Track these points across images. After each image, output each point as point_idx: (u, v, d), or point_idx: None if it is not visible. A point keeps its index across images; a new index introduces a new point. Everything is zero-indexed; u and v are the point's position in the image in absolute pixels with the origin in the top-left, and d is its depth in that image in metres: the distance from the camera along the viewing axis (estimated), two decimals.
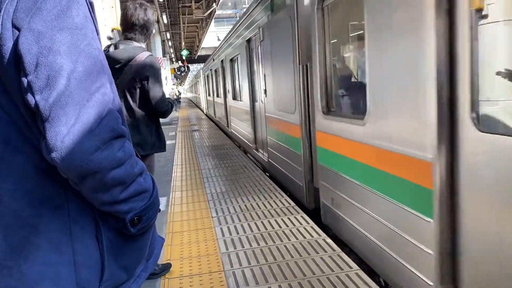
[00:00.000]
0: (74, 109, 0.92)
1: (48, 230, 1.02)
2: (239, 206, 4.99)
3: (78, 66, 0.94)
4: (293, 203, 4.93)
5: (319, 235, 3.83)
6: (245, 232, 4.08)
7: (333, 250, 3.49)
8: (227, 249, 3.71)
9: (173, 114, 25.61)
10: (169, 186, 6.29)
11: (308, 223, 4.18)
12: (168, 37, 23.71)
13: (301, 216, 4.41)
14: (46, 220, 1.02)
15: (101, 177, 0.97)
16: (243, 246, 3.74)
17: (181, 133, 14.12)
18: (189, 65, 36.63)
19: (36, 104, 0.92)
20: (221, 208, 4.97)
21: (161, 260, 3.55)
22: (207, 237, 4.03)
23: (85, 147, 0.93)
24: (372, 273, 3.24)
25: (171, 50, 29.72)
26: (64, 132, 0.91)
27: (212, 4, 19.31)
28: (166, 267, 3.31)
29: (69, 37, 0.94)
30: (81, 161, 0.93)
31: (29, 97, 0.93)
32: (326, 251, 3.47)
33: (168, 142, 12.13)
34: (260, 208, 4.83)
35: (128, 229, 1.07)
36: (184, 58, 27.57)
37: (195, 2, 19.22)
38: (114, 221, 1.07)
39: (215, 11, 20.33)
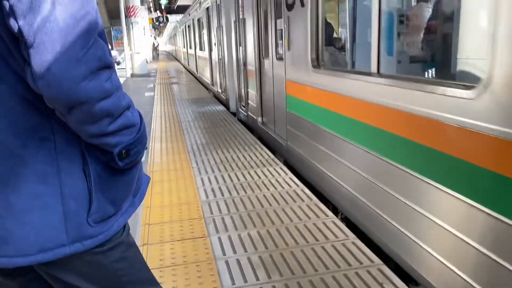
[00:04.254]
0: (59, 35, 0.90)
1: (35, 162, 1.03)
2: (219, 157, 5.04)
3: None
4: (272, 155, 5.00)
5: (297, 185, 3.93)
6: (225, 182, 4.15)
7: (310, 199, 3.60)
8: (207, 197, 3.78)
9: (151, 65, 25.05)
10: (148, 137, 6.27)
11: (287, 174, 4.28)
12: None
13: (280, 168, 4.50)
14: (32, 152, 1.02)
15: (89, 108, 0.96)
16: (223, 195, 3.82)
17: (160, 86, 13.90)
18: (168, 15, 35.41)
19: (20, 29, 0.89)
20: (201, 159, 5.01)
21: (141, 207, 3.61)
22: (187, 186, 4.09)
23: (72, 76, 0.91)
24: (346, 220, 3.37)
25: None
26: (50, 59, 0.89)
27: None
28: None
29: None
30: (68, 90, 0.92)
31: (12, 21, 0.90)
32: (303, 200, 3.58)
33: (146, 94, 11.99)
34: (240, 160, 4.89)
35: (116, 163, 1.08)
36: (163, 7, 26.59)
37: None
38: (101, 154, 1.08)
39: None
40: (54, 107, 0.98)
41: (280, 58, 4.92)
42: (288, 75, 4.61)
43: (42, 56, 0.89)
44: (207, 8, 10.66)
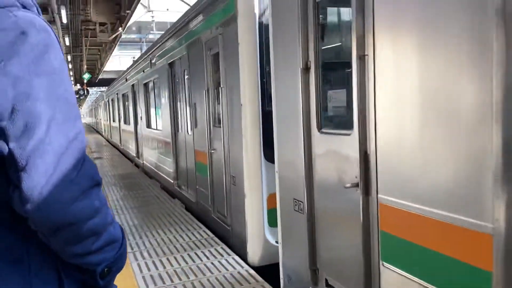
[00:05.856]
0: (53, 157, 0.87)
1: (6, 285, 0.93)
2: (155, 239, 4.82)
3: (57, 112, 0.90)
4: (211, 234, 4.89)
5: (242, 267, 3.86)
6: (164, 268, 3.95)
7: (257, 281, 3.53)
8: (147, 286, 3.56)
9: None
10: None
11: (230, 255, 4.19)
12: (69, 59, 22.48)
13: (221, 248, 4.40)
14: (4, 275, 0.93)
15: (77, 229, 0.91)
16: (164, 283, 3.61)
17: None
18: (88, 88, 34.87)
19: (11, 152, 0.85)
20: (136, 242, 4.76)
21: None
22: (124, 274, 3.82)
23: (63, 198, 0.88)
24: None
25: (71, 73, 28.14)
26: (43, 183, 0.86)
27: (118, 28, 18.86)
28: None
29: (47, 82, 0.90)
30: (58, 212, 0.88)
31: (1, 144, 0.86)
32: (250, 283, 3.50)
33: None
34: (178, 241, 4.71)
35: (97, 282, 1.01)
36: (84, 81, 26.21)
37: (99, 25, 18.56)
38: (79, 274, 1.01)
39: (121, 35, 19.84)
40: (37, 229, 0.92)
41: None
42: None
43: (35, 179, 0.85)
44: (170, 65, 7.01)
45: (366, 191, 2.30)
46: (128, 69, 13.24)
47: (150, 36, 25.41)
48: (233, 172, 4.45)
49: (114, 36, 19.30)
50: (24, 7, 0.96)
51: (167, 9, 22.36)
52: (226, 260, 4.06)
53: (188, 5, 15.46)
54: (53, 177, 0.87)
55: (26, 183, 0.85)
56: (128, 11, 16.65)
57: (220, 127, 4.72)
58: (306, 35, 2.77)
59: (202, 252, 4.32)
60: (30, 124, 0.86)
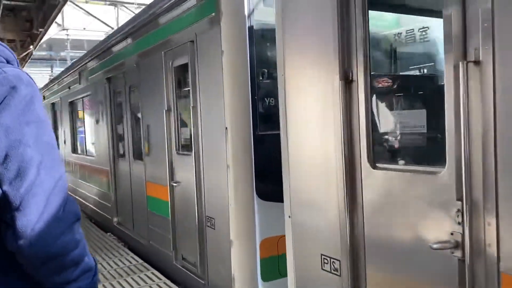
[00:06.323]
0: (43, 197, 1.00)
1: None
2: None
3: (45, 157, 1.03)
4: (141, 260, 4.77)
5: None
6: None
7: None
8: None
9: None
10: None
11: (160, 279, 4.14)
12: None
13: (152, 273, 4.34)
14: None
15: (61, 260, 1.04)
16: None
17: None
18: None
19: (5, 194, 0.98)
20: None
21: None
22: None
23: (52, 232, 1.01)
24: None
25: None
26: (35, 220, 0.99)
27: (29, 46, 17.53)
28: None
29: (35, 130, 1.03)
30: (48, 246, 1.00)
31: None
32: None
33: None
34: (105, 269, 4.56)
35: None
36: None
37: (8, 42, 17.09)
38: None
39: (31, 54, 18.48)
40: (26, 262, 1.02)
41: None
42: None
43: (28, 217, 0.98)
44: None
45: (473, 256, 1.59)
46: (46, 85, 11.73)
47: (62, 54, 24.32)
48: (211, 212, 3.54)
49: (24, 54, 17.85)
50: (8, 61, 1.10)
51: (84, 28, 21.55)
52: (157, 285, 3.99)
53: (110, 26, 14.79)
54: (44, 215, 1.00)
55: (20, 221, 0.98)
56: (41, 29, 15.64)
57: (189, 154, 3.79)
58: (347, 38, 2.05)
59: (132, 278, 4.22)
60: (22, 168, 0.99)
